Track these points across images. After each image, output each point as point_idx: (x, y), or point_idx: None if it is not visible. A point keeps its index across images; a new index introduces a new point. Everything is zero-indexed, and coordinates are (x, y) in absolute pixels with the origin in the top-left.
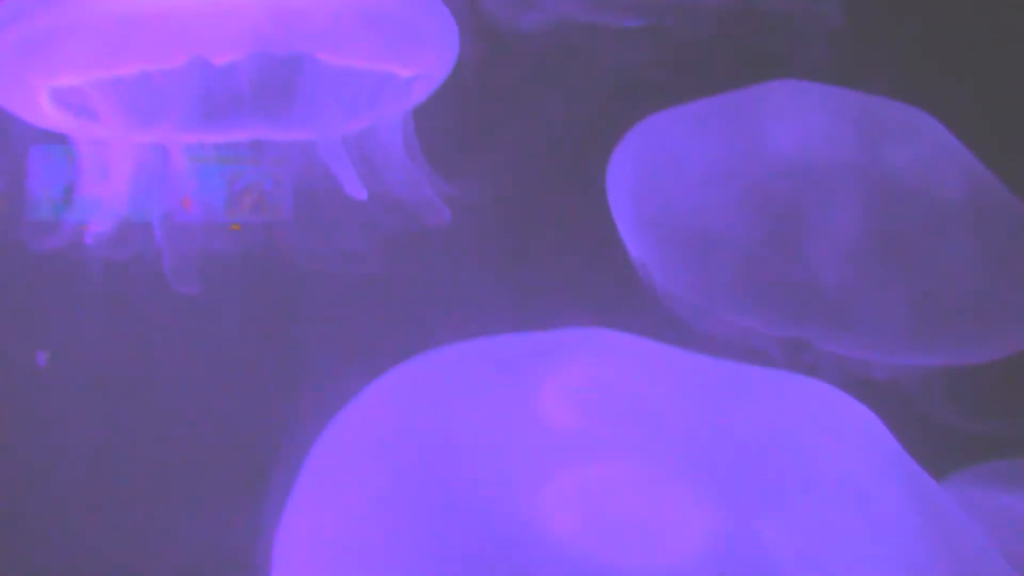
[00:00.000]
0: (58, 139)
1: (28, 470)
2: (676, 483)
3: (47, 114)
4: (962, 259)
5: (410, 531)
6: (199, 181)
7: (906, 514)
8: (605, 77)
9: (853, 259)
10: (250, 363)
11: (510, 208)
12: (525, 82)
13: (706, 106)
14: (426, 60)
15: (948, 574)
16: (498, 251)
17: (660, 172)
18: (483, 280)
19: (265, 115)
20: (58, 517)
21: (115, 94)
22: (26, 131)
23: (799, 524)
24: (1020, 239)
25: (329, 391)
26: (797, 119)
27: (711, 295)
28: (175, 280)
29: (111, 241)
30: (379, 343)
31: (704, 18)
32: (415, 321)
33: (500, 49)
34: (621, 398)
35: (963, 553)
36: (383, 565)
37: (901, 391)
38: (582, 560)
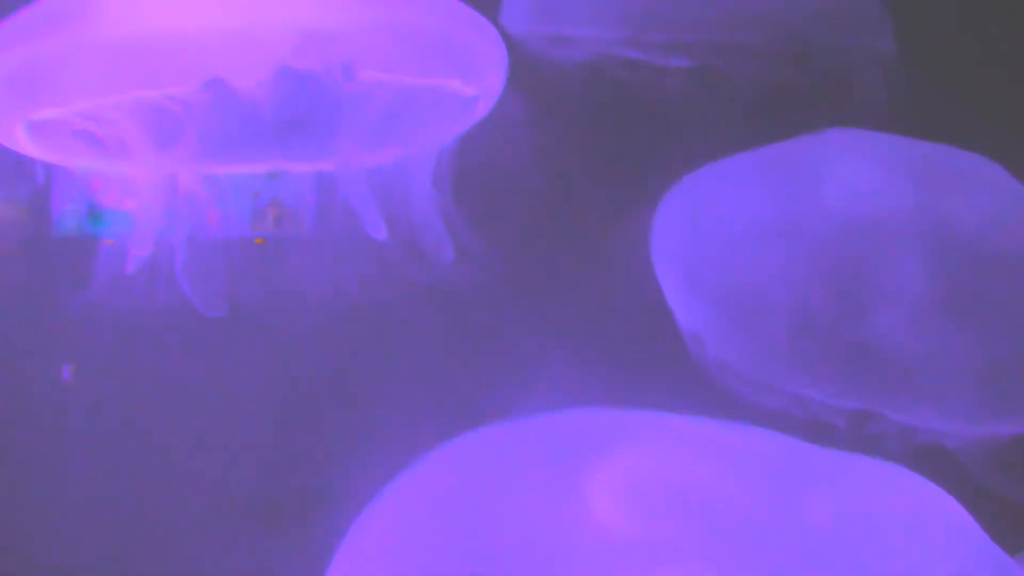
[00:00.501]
0: None
1: (57, 500)
2: None
3: (54, 147)
4: None
5: None
6: (223, 195)
7: None
8: (648, 121)
9: (919, 321)
10: (268, 411)
11: (542, 268)
12: (561, 126)
13: (756, 158)
14: (474, 77)
15: None
16: (529, 318)
17: (709, 230)
18: (516, 348)
19: (290, 143)
20: (90, 552)
21: (126, 122)
22: None
23: None
24: None
25: (365, 456)
26: (854, 172)
27: (768, 364)
28: (202, 302)
29: (148, 265)
30: (415, 410)
31: (752, 57)
32: (451, 391)
33: (535, 91)
34: (677, 493)
35: None
36: None
37: (972, 462)
38: None
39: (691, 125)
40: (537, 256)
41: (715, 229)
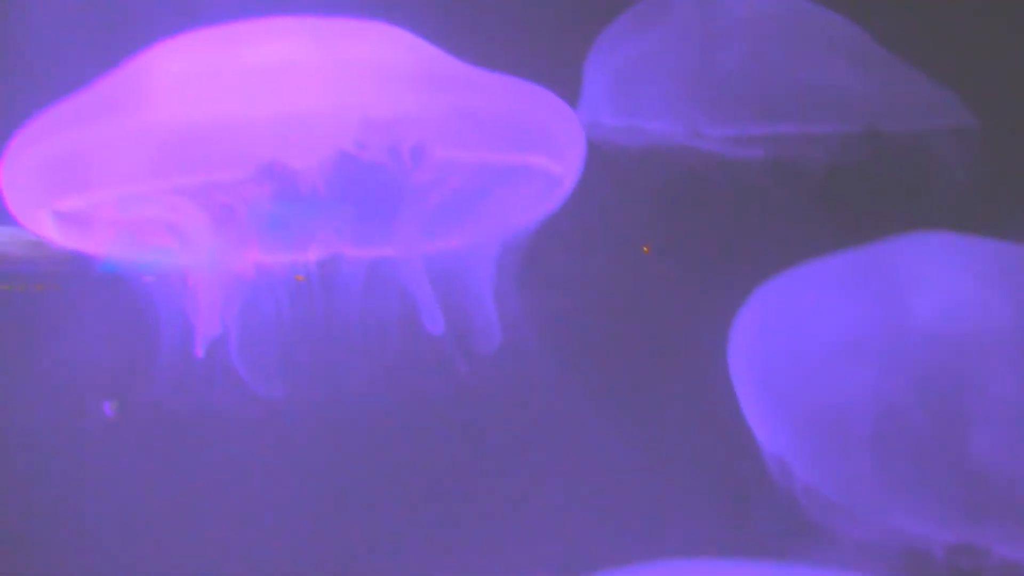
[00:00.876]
0: None
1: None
2: None
3: (101, 238)
4: None
5: None
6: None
7: None
8: (723, 215)
9: (1020, 442)
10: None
11: (607, 376)
12: (634, 220)
13: (839, 266)
14: (554, 152)
15: None
16: (590, 431)
17: (791, 344)
18: (573, 466)
19: (351, 229)
20: None
21: (182, 208)
22: None
23: None
24: None
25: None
26: (946, 282)
27: (860, 491)
28: (257, 381)
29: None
30: (461, 523)
31: (829, 147)
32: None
33: (610, 182)
34: None
35: None
36: None
37: None
38: None
39: (768, 218)
40: (600, 361)
41: (798, 343)
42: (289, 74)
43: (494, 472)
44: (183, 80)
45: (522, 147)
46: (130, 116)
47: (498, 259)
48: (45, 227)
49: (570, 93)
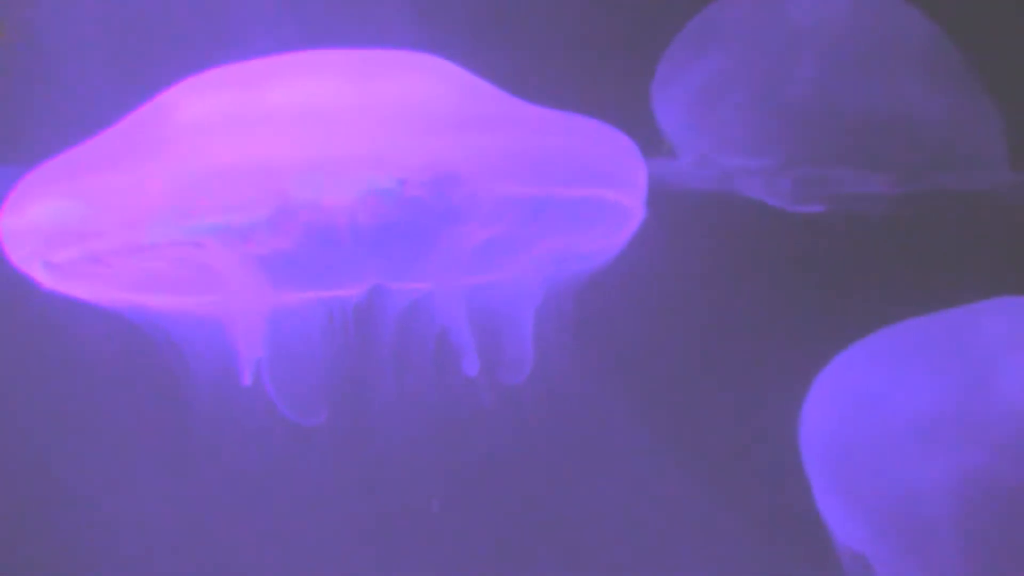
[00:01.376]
0: None
1: None
2: None
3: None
4: None
5: None
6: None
7: None
8: (786, 278)
9: None
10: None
11: (664, 462)
12: (693, 270)
13: (917, 337)
14: (618, 185)
15: None
16: (640, 511)
17: (864, 427)
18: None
19: (391, 265)
20: None
21: (214, 249)
22: None
23: None
24: None
25: None
26: None
27: None
28: (298, 412)
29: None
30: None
31: (887, 203)
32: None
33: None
34: None
35: None
36: None
37: None
38: None
39: (835, 280)
40: (655, 433)
41: (870, 423)
42: (324, 111)
43: (530, 516)
44: (215, 119)
45: (571, 182)
46: (159, 158)
47: (546, 298)
48: (49, 277)
49: (625, 124)
